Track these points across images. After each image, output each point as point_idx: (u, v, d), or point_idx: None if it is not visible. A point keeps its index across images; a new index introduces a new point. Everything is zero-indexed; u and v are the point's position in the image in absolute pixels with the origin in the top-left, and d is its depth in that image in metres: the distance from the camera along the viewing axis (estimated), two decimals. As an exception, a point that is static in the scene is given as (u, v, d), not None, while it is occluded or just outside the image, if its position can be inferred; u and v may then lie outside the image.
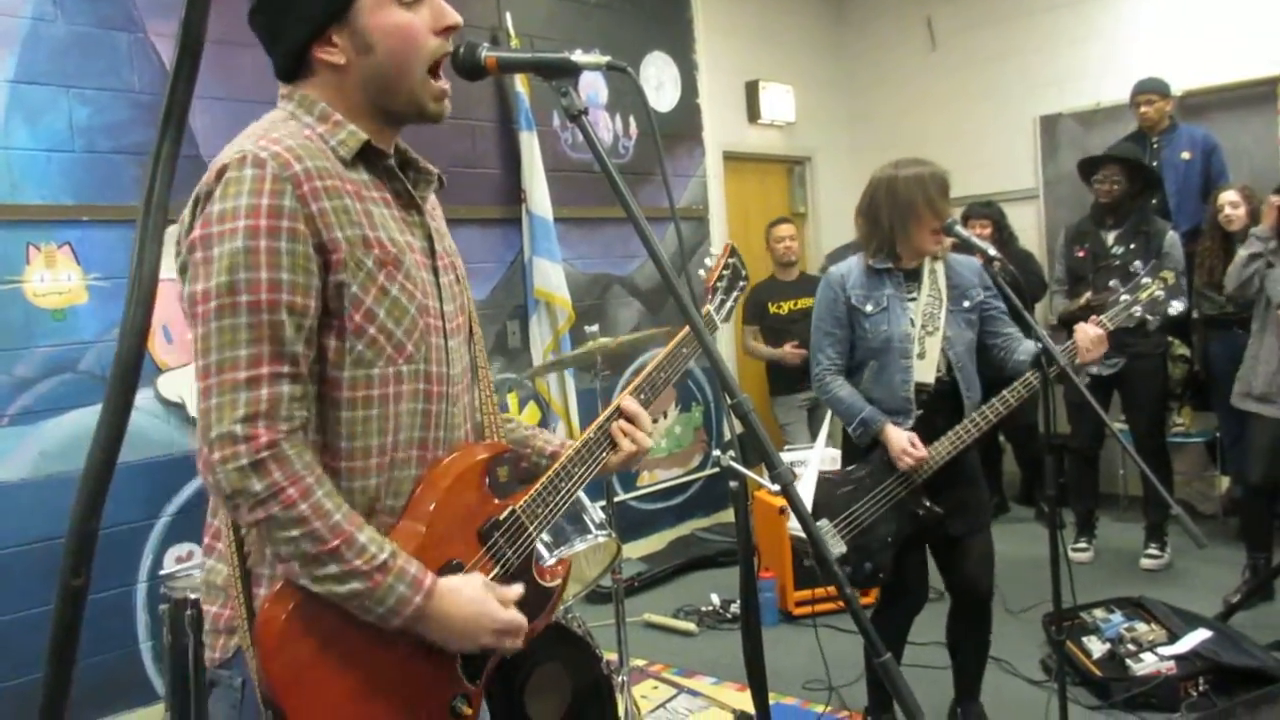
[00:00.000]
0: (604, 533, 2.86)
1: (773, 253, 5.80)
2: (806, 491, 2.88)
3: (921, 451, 2.81)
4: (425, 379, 1.39)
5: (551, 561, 1.61)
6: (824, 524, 2.91)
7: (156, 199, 0.57)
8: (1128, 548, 4.95)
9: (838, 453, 3.22)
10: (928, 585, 3.11)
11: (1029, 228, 6.33)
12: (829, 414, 3.14)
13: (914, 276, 2.93)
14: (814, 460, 2.98)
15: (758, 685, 2.15)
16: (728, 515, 5.89)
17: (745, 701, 3.06)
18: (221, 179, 1.25)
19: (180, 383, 3.76)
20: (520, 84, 4.91)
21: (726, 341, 6.18)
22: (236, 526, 1.34)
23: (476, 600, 1.36)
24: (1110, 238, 4.80)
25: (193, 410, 3.78)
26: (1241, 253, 4.23)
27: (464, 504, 1.43)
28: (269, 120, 1.36)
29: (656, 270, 1.26)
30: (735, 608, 4.56)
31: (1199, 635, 3.42)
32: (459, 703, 1.42)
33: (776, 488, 1.20)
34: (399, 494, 1.38)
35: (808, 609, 4.20)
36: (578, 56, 1.33)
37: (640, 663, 4.06)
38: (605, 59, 1.35)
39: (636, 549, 5.53)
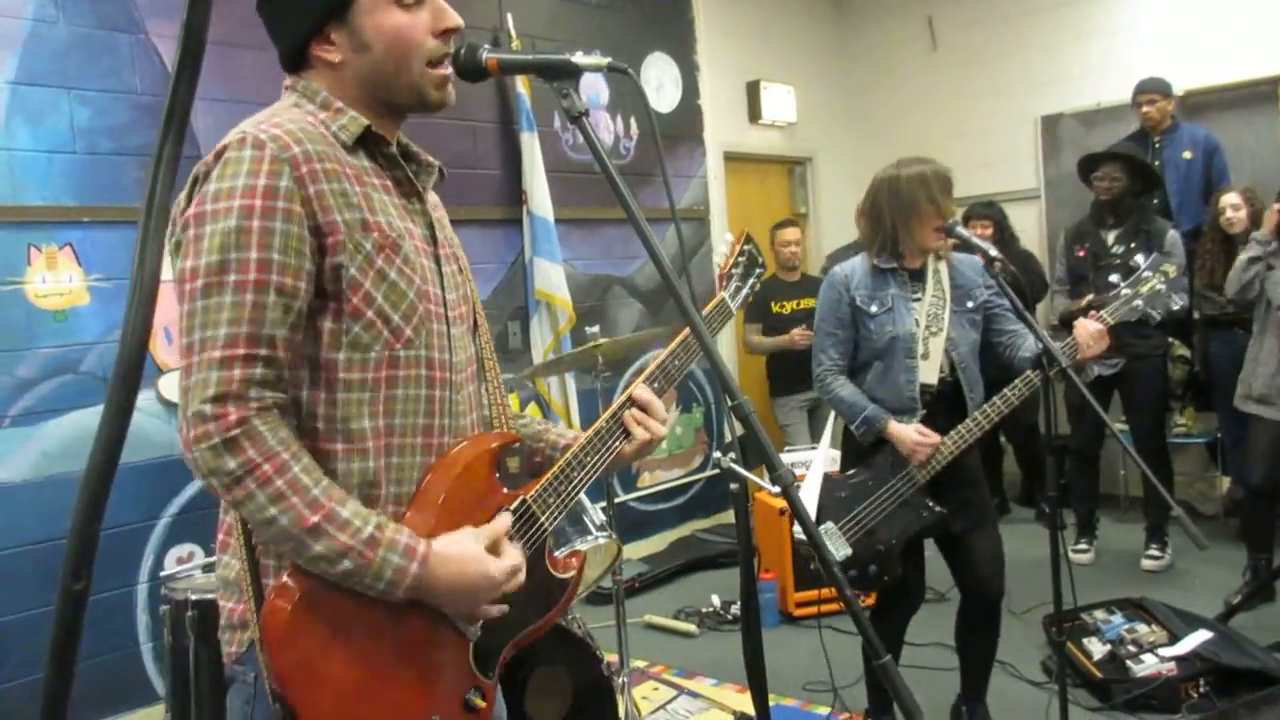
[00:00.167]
0: (604, 534, 2.87)
1: (776, 255, 5.80)
2: (812, 493, 2.88)
3: (934, 436, 2.81)
4: (427, 365, 1.39)
5: (564, 554, 1.60)
6: (829, 526, 2.91)
7: (158, 201, 0.57)
8: (1128, 549, 4.95)
9: (839, 453, 3.22)
10: (925, 585, 3.11)
11: (1030, 228, 6.33)
12: (832, 415, 3.14)
13: (918, 276, 2.93)
14: (819, 462, 2.98)
15: (758, 687, 2.16)
16: (728, 516, 5.89)
17: (746, 703, 3.06)
18: (220, 159, 1.27)
19: (181, 383, 3.76)
20: (521, 85, 4.91)
21: (727, 341, 6.18)
22: (244, 518, 1.33)
23: (469, 556, 1.34)
24: (1111, 237, 4.80)
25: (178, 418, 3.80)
26: (1242, 256, 4.22)
27: (473, 493, 1.43)
28: (273, 108, 1.38)
29: (657, 271, 1.26)
30: (736, 609, 4.55)
31: (1200, 636, 3.42)
32: (473, 695, 1.41)
33: (777, 490, 1.20)
34: (403, 480, 1.37)
35: (813, 609, 4.21)
36: (579, 58, 1.34)
37: (641, 664, 4.06)
38: (606, 60, 1.36)
39: (637, 550, 5.53)
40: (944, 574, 3.12)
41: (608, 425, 1.60)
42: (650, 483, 5.80)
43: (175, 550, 3.75)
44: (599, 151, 1.29)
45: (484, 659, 1.43)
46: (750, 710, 2.45)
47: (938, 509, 2.87)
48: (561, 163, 5.23)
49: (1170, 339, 5.03)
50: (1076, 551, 4.92)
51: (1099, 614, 3.77)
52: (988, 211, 5.58)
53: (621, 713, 3.08)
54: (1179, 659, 3.34)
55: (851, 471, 2.99)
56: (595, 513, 2.90)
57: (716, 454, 2.11)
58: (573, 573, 1.57)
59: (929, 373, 2.88)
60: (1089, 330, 2.74)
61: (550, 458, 1.63)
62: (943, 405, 2.90)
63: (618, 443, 1.60)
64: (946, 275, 2.93)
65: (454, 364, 1.44)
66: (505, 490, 1.48)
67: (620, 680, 3.28)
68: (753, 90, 6.58)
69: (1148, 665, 3.37)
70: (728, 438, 6.19)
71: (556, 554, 1.56)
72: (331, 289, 1.30)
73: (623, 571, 3.36)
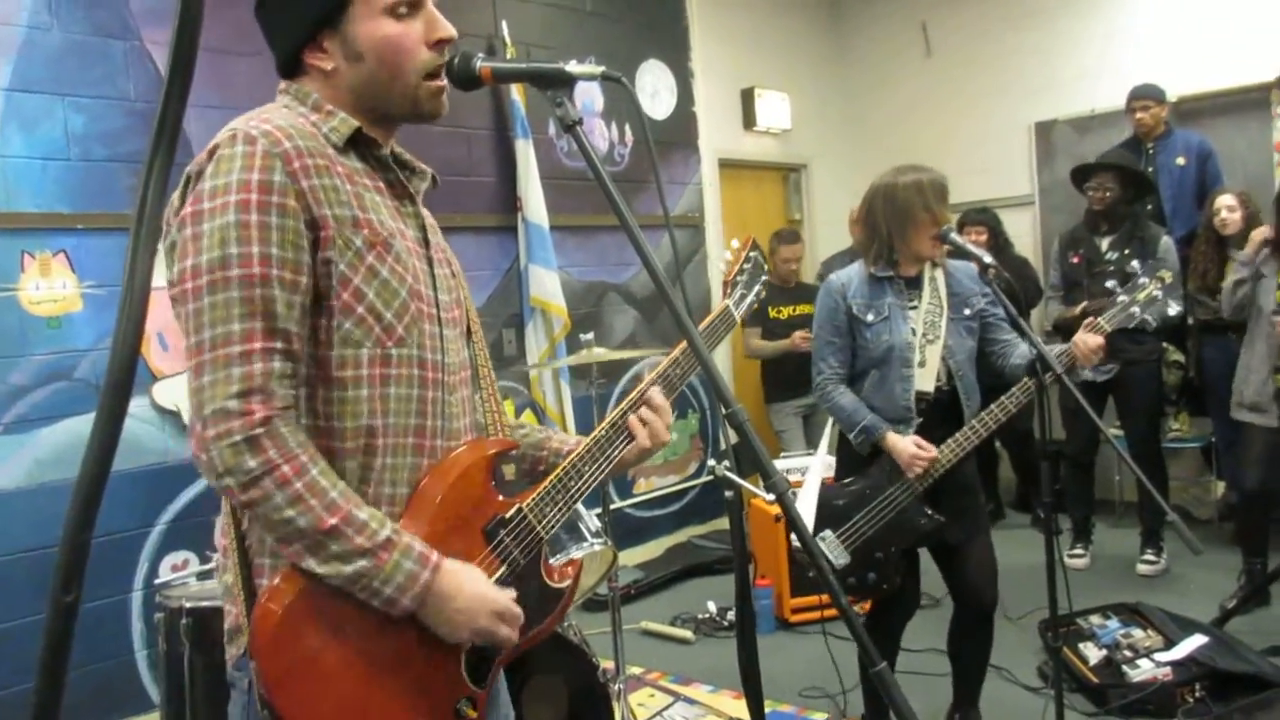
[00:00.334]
0: (600, 541, 2.86)
1: (775, 268, 5.80)
2: (809, 501, 2.88)
3: (932, 450, 2.81)
4: (419, 365, 1.38)
5: (560, 563, 1.59)
6: (828, 534, 2.91)
7: (149, 213, 0.57)
8: (1124, 553, 4.95)
9: (833, 460, 3.22)
10: (920, 591, 3.10)
11: (1024, 234, 6.34)
12: (830, 422, 3.14)
13: (915, 284, 2.93)
14: (816, 469, 2.97)
15: (753, 693, 2.15)
16: (724, 522, 5.88)
17: (742, 709, 3.06)
18: (213, 157, 1.27)
19: (175, 390, 3.75)
20: (516, 92, 4.92)
21: (724, 346, 6.18)
22: (238, 522, 1.33)
23: (477, 580, 1.35)
24: (1104, 244, 4.81)
25: (188, 418, 3.80)
26: (1229, 280, 4.26)
27: (468, 500, 1.42)
28: (263, 108, 1.38)
29: (651, 280, 1.26)
30: (732, 615, 4.55)
31: (1195, 641, 3.42)
32: (463, 705, 1.40)
33: (772, 498, 1.20)
34: (395, 481, 1.37)
35: (813, 615, 4.20)
36: (573, 67, 1.34)
37: (637, 670, 4.05)
38: (600, 70, 1.36)
39: (633, 556, 5.52)
40: (938, 580, 3.11)
41: (607, 434, 1.59)
42: (646, 489, 5.80)
43: (170, 557, 3.74)
44: (594, 161, 1.29)
45: (476, 668, 1.42)
46: (746, 716, 2.45)
47: (936, 517, 2.87)
48: (556, 169, 5.24)
49: (1164, 344, 5.04)
50: (1072, 557, 4.92)
51: (1095, 619, 3.77)
52: (982, 218, 5.59)
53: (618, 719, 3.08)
54: (1175, 664, 3.34)
55: (849, 480, 2.99)
56: (590, 519, 2.89)
57: (711, 462, 2.10)
58: (568, 582, 1.56)
59: (926, 381, 2.88)
60: (1088, 346, 2.73)
61: (554, 464, 1.61)
62: (939, 413, 2.89)
63: (617, 451, 1.60)
64: (943, 283, 2.93)
65: (446, 365, 1.44)
66: (502, 498, 1.48)
67: (616, 687, 3.28)
68: (747, 97, 6.59)
69: (1143, 670, 3.37)
70: (723, 444, 6.19)
71: (552, 562, 1.56)
72: (323, 285, 1.30)
73: (618, 578, 3.35)
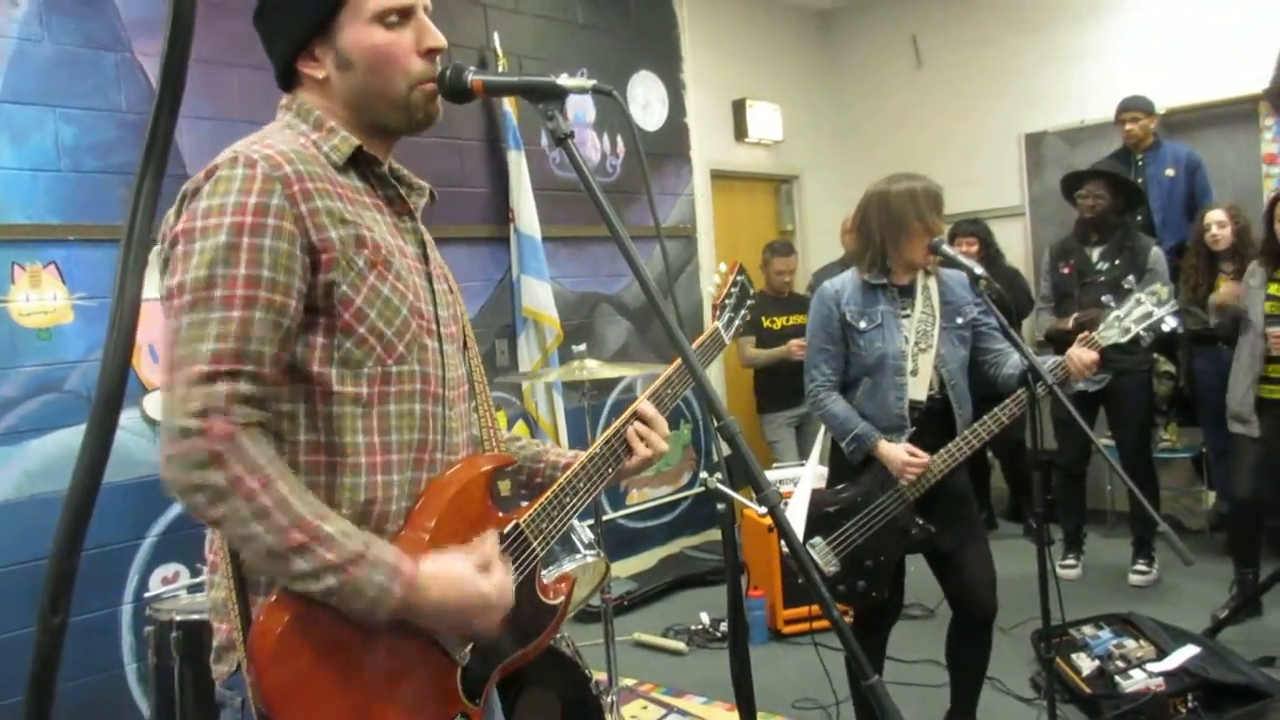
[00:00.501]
0: (592, 552, 2.86)
1: (768, 279, 5.81)
2: (799, 511, 2.88)
3: (924, 457, 2.81)
4: (420, 380, 1.38)
5: (550, 579, 1.59)
6: (817, 542, 2.91)
7: (138, 234, 0.56)
8: (1116, 564, 4.96)
9: (825, 470, 3.22)
10: (903, 596, 3.10)
11: (1015, 245, 6.37)
12: (821, 430, 3.14)
13: (908, 293, 2.93)
14: (807, 478, 2.98)
15: (746, 705, 2.15)
16: (717, 533, 5.87)
17: (735, 721, 3.04)
18: (212, 177, 1.26)
19: (166, 403, 3.74)
20: (508, 104, 4.93)
21: (718, 356, 6.17)
22: (225, 537, 1.32)
23: (459, 578, 1.32)
24: (1095, 254, 4.83)
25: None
26: (1213, 297, 4.38)
27: (467, 516, 1.42)
28: (264, 130, 1.38)
29: (644, 294, 1.26)
30: (725, 626, 4.54)
31: (1187, 652, 3.42)
32: None
33: (764, 510, 1.20)
34: (396, 496, 1.36)
35: (805, 625, 4.20)
36: (564, 80, 1.34)
37: (629, 682, 4.04)
38: (591, 83, 1.36)
39: (626, 567, 5.51)
40: (934, 590, 3.11)
41: (602, 451, 1.60)
42: (639, 500, 5.79)
43: (160, 570, 3.72)
44: (585, 174, 1.30)
45: (470, 685, 1.42)
46: (739, 729, 2.44)
47: (926, 526, 2.87)
48: (549, 181, 5.24)
49: (1155, 355, 5.06)
50: (1064, 567, 4.93)
51: (1087, 629, 3.77)
52: (973, 228, 5.61)
53: (610, 732, 3.07)
54: (1167, 674, 3.34)
55: (840, 487, 2.99)
56: (583, 531, 2.89)
57: (704, 475, 2.11)
58: (561, 599, 1.56)
59: (918, 389, 2.88)
60: (1083, 361, 2.74)
61: (551, 477, 1.62)
62: (932, 422, 2.90)
63: (611, 469, 1.60)
64: (936, 292, 2.94)
65: (446, 380, 1.44)
66: (500, 514, 1.48)
67: (609, 699, 3.27)
68: (739, 108, 6.61)
69: (1136, 681, 3.37)
70: (716, 455, 6.18)
71: (545, 579, 1.56)
72: (323, 305, 1.30)
73: (611, 589, 3.35)
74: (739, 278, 2.01)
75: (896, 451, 2.82)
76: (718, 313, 1.94)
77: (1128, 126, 5.27)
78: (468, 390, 1.54)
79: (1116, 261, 4.73)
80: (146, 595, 3.60)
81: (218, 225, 1.23)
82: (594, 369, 3.64)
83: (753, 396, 5.93)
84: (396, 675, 1.33)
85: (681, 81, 6.20)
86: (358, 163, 1.40)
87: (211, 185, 1.26)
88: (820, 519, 2.92)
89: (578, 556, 2.82)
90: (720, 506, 2.05)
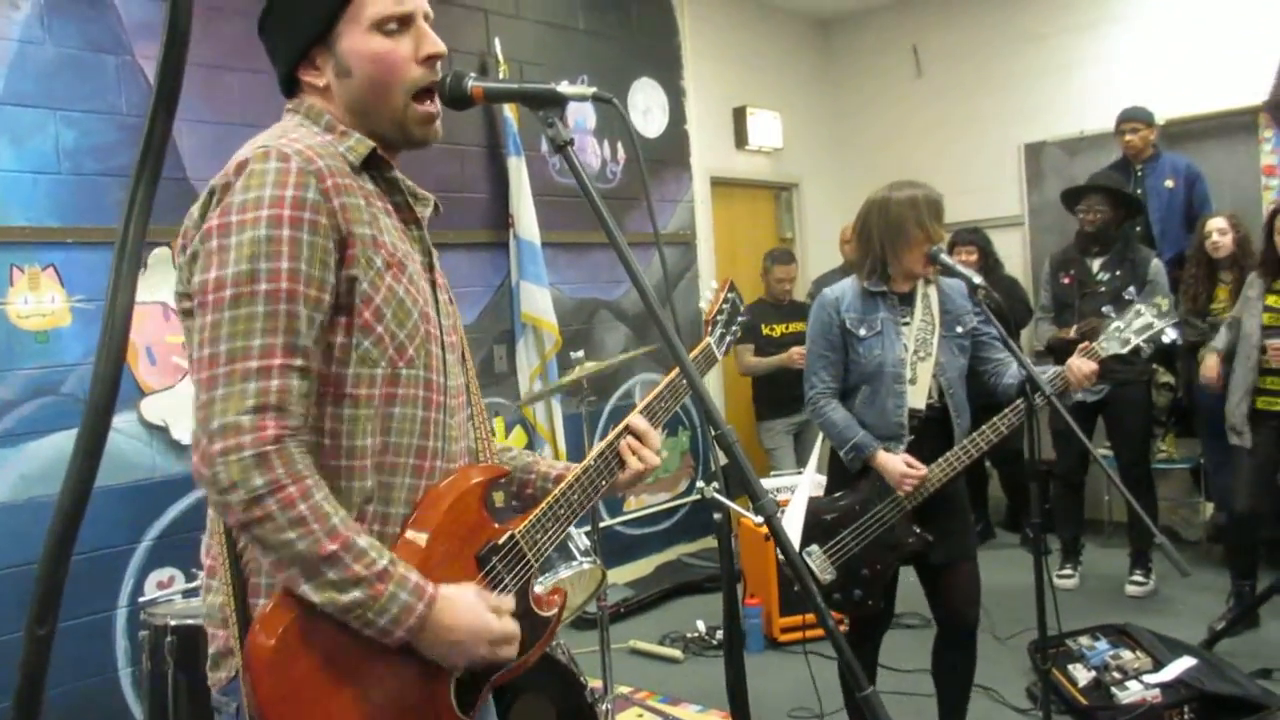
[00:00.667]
0: (589, 560, 2.86)
1: (768, 286, 5.82)
2: (796, 519, 2.87)
3: (922, 469, 2.80)
4: (426, 386, 1.39)
5: (544, 589, 1.59)
6: (814, 550, 2.91)
7: (131, 242, 0.56)
8: (1113, 574, 4.95)
9: (824, 478, 3.22)
10: (895, 604, 3.09)
11: (1014, 254, 6.37)
12: (819, 438, 3.13)
13: (908, 301, 2.93)
14: (804, 486, 2.97)
15: (740, 714, 2.15)
16: (714, 540, 5.87)
17: (730, 730, 3.04)
18: (243, 171, 1.25)
19: (163, 406, 3.74)
20: (509, 110, 4.93)
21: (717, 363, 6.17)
22: (232, 543, 1.32)
23: (473, 609, 1.34)
24: (1095, 265, 4.84)
25: (176, 434, 3.78)
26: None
27: (463, 526, 1.42)
28: (283, 125, 1.38)
29: (642, 302, 1.26)
30: (721, 634, 4.53)
31: (1184, 663, 3.42)
32: None
33: (760, 520, 1.20)
34: (395, 501, 1.36)
35: (797, 635, 4.19)
36: (564, 88, 1.34)
37: (625, 690, 4.03)
38: (591, 90, 1.37)
39: (623, 574, 5.50)
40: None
41: (596, 465, 1.59)
42: (636, 507, 5.78)
43: (156, 574, 3.71)
44: (584, 182, 1.30)
45: (464, 695, 1.42)
46: (734, 738, 2.44)
47: (923, 535, 2.87)
48: (548, 187, 5.25)
49: (1154, 365, 5.06)
50: (1061, 577, 4.92)
51: (1084, 640, 3.76)
52: (973, 238, 5.62)
53: (605, 740, 3.06)
54: (1163, 686, 3.34)
55: (838, 495, 2.98)
56: (580, 538, 2.89)
57: (700, 484, 2.11)
58: (554, 611, 1.56)
59: (917, 398, 2.88)
60: (1083, 372, 2.75)
61: (543, 489, 1.62)
62: (930, 431, 2.89)
63: (605, 481, 1.60)
64: (936, 300, 2.94)
65: (449, 388, 1.44)
66: (495, 525, 1.47)
67: (604, 707, 3.26)
68: (739, 116, 6.62)
69: (1132, 692, 3.36)
70: (714, 463, 6.18)
71: (539, 589, 1.55)
72: (344, 302, 1.30)
73: (607, 596, 3.34)
74: (730, 294, 2.04)
75: (895, 462, 2.82)
76: (710, 328, 1.96)
77: (1127, 137, 5.28)
78: (465, 400, 1.54)
79: (1117, 273, 4.74)
80: (141, 600, 3.59)
81: (255, 219, 1.22)
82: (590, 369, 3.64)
83: (751, 404, 5.93)
84: (390, 686, 1.32)
85: (682, 88, 6.21)
86: (370, 165, 1.40)
87: (245, 180, 1.25)
88: (817, 527, 2.92)
89: (574, 563, 2.82)
90: (717, 516, 2.05)
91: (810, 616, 4.18)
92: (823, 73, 7.43)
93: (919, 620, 4.39)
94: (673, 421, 6.03)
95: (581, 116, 5.56)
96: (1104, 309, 4.60)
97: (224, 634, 1.33)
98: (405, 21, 1.37)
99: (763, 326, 5.69)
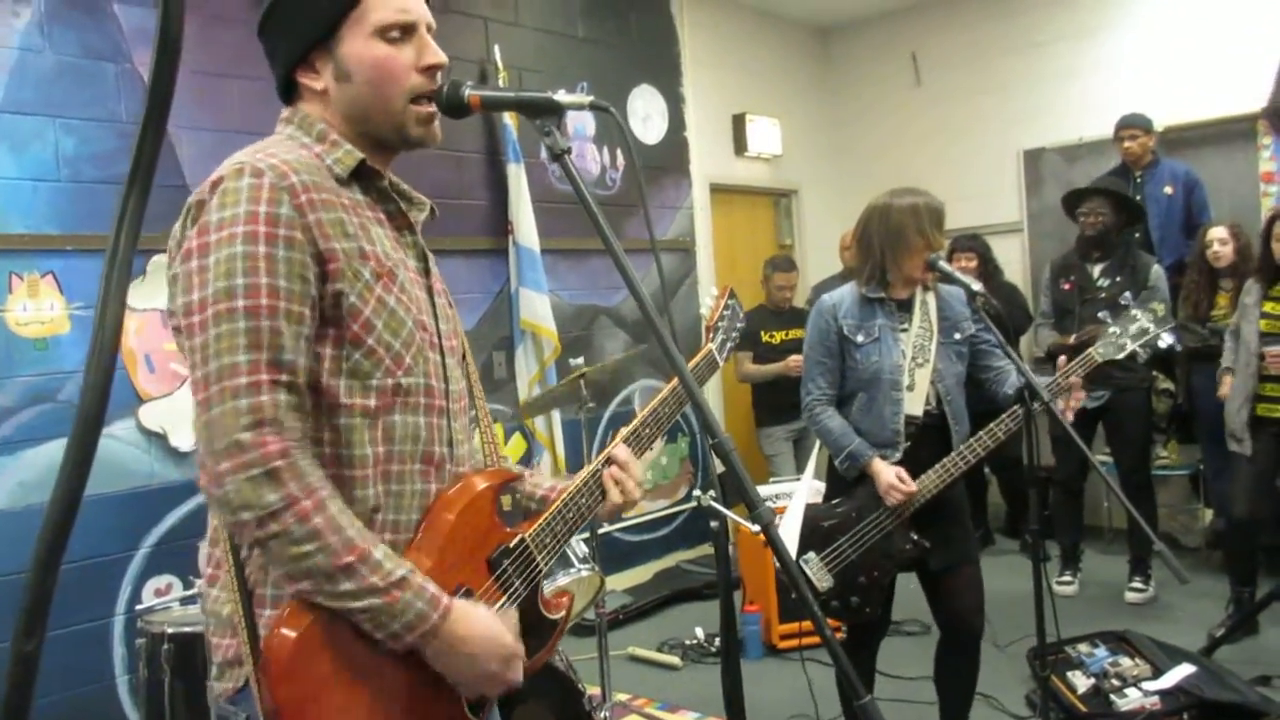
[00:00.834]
0: (586, 566, 2.86)
1: (769, 293, 5.82)
2: (793, 526, 2.87)
3: (910, 486, 2.80)
4: (425, 393, 1.39)
5: (551, 592, 1.59)
6: (811, 557, 2.90)
7: (121, 254, 0.56)
8: (1112, 580, 4.95)
9: (823, 485, 3.22)
10: (892, 610, 3.09)
11: (1013, 261, 6.37)
12: (816, 445, 3.13)
13: (906, 307, 2.93)
14: (801, 493, 2.97)
15: (739, 722, 2.14)
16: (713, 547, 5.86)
17: (729, 737, 3.03)
18: (218, 189, 1.26)
19: (162, 413, 3.73)
20: (508, 117, 4.93)
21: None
22: (236, 551, 1.31)
23: (488, 623, 1.34)
24: (1096, 271, 4.84)
25: (174, 441, 3.78)
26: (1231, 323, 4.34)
27: (474, 530, 1.42)
28: (265, 141, 1.38)
29: (640, 312, 1.26)
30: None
31: (1183, 670, 3.41)
32: None
33: (756, 528, 1.20)
34: (400, 508, 1.36)
35: (794, 642, 4.18)
36: (561, 96, 1.34)
37: (623, 697, 4.02)
38: (589, 99, 1.37)
39: (621, 581, 5.50)
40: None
41: (587, 485, 1.59)
42: (635, 513, 5.77)
43: (153, 582, 3.71)
44: (581, 190, 1.30)
45: (474, 700, 1.42)
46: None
47: (921, 543, 2.86)
48: (548, 193, 5.25)
49: (1154, 372, 5.06)
50: (1060, 583, 4.92)
51: (1083, 647, 3.76)
52: (972, 244, 5.62)
53: (603, 748, 3.05)
54: (1163, 693, 3.33)
55: (836, 501, 2.98)
56: (578, 545, 2.89)
57: (697, 492, 2.11)
58: (562, 613, 1.57)
59: (915, 405, 2.88)
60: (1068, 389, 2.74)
61: (526, 507, 1.62)
62: (927, 438, 2.89)
63: (602, 491, 1.59)
64: (934, 307, 2.94)
65: (450, 392, 1.45)
66: (506, 529, 1.48)
67: (603, 714, 3.26)
68: (738, 123, 6.62)
69: (1131, 699, 3.36)
70: (714, 470, 6.18)
71: (545, 592, 1.56)
72: (331, 315, 1.30)
73: (606, 603, 3.34)
74: (730, 301, 2.04)
75: (886, 473, 2.81)
76: (711, 335, 1.96)
77: (1126, 144, 5.28)
78: (469, 403, 1.54)
79: (1118, 279, 4.74)
80: (139, 607, 3.58)
81: (231, 236, 1.23)
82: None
83: (751, 410, 5.92)
84: (403, 689, 1.33)
85: (681, 95, 6.22)
86: (360, 176, 1.40)
87: (219, 197, 1.25)
88: (814, 534, 2.92)
89: (572, 570, 2.82)
90: (714, 524, 2.05)
91: (809, 624, 4.17)
92: (822, 80, 7.44)
93: (919, 627, 4.39)
94: (672, 428, 6.03)
95: (581, 123, 5.56)
96: (1100, 314, 4.60)
97: (231, 642, 1.32)
98: (408, 30, 1.38)
99: (762, 333, 5.69)
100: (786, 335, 5.67)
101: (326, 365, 1.30)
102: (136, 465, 3.68)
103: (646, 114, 5.99)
